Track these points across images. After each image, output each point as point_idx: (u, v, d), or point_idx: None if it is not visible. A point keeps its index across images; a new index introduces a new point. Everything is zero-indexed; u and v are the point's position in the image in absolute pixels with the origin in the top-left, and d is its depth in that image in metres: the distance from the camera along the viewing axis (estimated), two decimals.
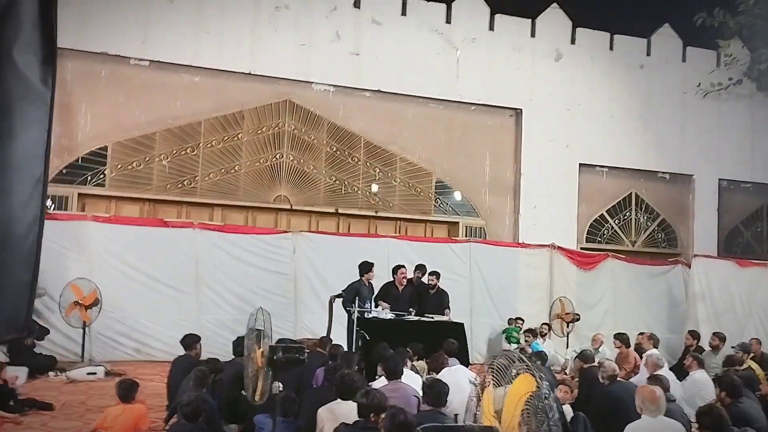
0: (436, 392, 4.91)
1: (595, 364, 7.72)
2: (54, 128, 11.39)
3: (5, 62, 3.64)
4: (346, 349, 8.37)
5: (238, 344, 7.02)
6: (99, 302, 9.99)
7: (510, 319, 12.39)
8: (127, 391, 5.64)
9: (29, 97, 3.67)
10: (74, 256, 10.54)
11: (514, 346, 11.65)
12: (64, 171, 11.62)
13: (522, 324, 12.19)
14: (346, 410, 4.81)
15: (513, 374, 5.53)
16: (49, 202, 11.36)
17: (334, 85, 13.11)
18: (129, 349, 10.64)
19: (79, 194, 11.70)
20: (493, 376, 5.21)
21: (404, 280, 10.06)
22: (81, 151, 11.76)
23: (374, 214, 13.38)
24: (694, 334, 11.43)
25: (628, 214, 15.36)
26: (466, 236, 13.64)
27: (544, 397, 3.68)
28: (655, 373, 7.18)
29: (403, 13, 13.59)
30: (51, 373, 9.12)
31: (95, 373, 9.12)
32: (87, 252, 10.64)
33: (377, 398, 4.42)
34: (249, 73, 12.55)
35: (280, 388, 4.78)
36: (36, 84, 3.72)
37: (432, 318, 9.70)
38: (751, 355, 9.68)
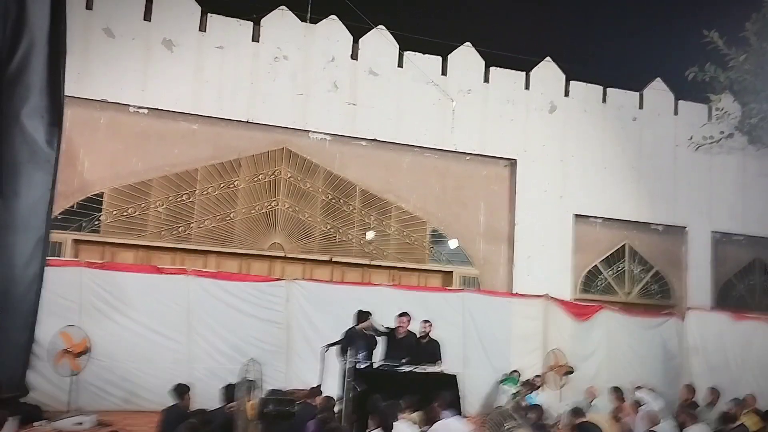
0: None
1: (587, 419, 7.67)
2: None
3: (13, 126, 3.73)
4: (338, 400, 8.30)
5: (227, 392, 6.95)
6: (89, 350, 9.88)
7: (506, 373, 12.28)
8: None
9: (35, 159, 3.74)
10: (65, 302, 10.46)
11: (512, 392, 11.54)
12: (59, 217, 11.61)
13: (519, 376, 12.07)
14: None
15: (506, 430, 5.51)
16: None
17: (330, 134, 13.25)
18: (118, 399, 10.48)
19: (74, 240, 11.70)
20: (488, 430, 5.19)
21: (404, 328, 10.02)
22: (77, 197, 11.79)
23: (368, 262, 13.37)
24: (690, 389, 11.35)
25: (622, 265, 15.38)
26: (460, 286, 13.62)
27: None
28: (652, 429, 7.14)
29: (400, 65, 13.83)
30: (36, 424, 8.96)
31: (82, 423, 8.97)
32: (79, 298, 10.57)
33: None
34: (247, 122, 12.70)
35: None
36: (42, 146, 3.80)
37: (425, 369, 9.61)
38: (746, 410, 9.60)
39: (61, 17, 4.00)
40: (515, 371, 12.24)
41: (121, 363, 10.56)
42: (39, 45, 3.83)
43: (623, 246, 15.35)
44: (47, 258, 10.52)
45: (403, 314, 10.11)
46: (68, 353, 9.71)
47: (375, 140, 13.47)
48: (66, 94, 11.29)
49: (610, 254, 15.27)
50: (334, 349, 9.52)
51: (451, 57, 14.23)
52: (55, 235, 11.48)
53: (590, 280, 15.08)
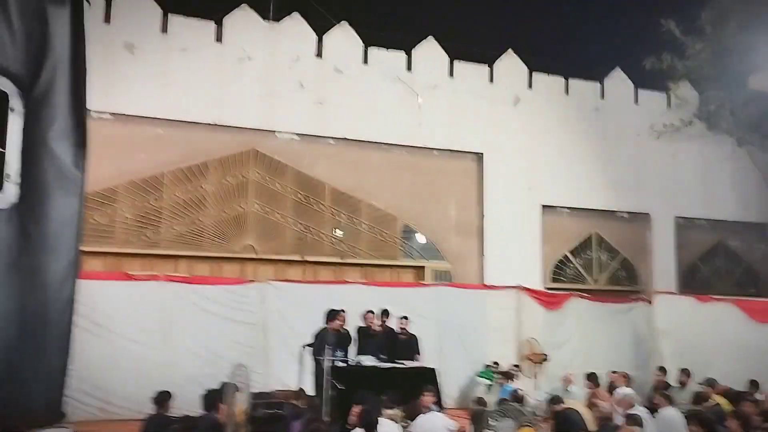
0: None
1: (566, 406, 7.79)
2: None
3: (41, 149, 3.68)
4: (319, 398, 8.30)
5: (208, 398, 6.89)
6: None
7: (486, 364, 12.40)
8: None
9: (63, 181, 3.69)
10: None
11: (486, 384, 11.67)
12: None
13: (497, 368, 12.19)
14: None
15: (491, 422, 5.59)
16: None
17: (298, 134, 13.21)
18: (94, 408, 10.30)
19: None
20: (473, 424, 5.26)
21: (373, 325, 10.06)
22: None
23: (341, 260, 13.37)
24: (662, 371, 11.58)
25: (590, 253, 15.64)
26: (432, 280, 13.70)
27: None
28: (629, 411, 7.28)
29: (365, 61, 13.85)
30: None
31: None
32: None
33: None
34: (213, 124, 12.59)
35: None
36: (69, 168, 3.75)
37: (404, 364, 9.67)
38: (716, 392, 9.83)
39: (81, 37, 3.95)
40: (492, 364, 12.36)
41: (95, 372, 10.34)
42: (62, 66, 3.78)
43: (591, 234, 15.61)
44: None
45: (369, 312, 10.15)
46: None
47: (343, 138, 13.47)
48: None
49: (579, 243, 15.51)
50: (309, 349, 9.50)
51: (415, 52, 14.29)
52: None
53: (560, 269, 15.31)
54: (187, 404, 8.77)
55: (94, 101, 11.99)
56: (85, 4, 4.02)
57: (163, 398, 7.34)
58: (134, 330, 10.72)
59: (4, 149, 3.40)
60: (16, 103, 3.55)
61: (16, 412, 3.50)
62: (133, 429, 7.48)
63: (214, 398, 6.17)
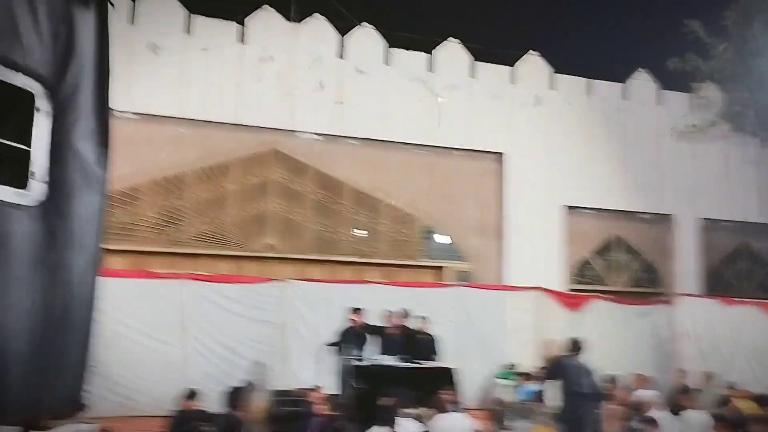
0: None
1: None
2: None
3: (66, 148, 3.77)
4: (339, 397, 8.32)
5: (229, 395, 6.95)
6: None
7: (505, 365, 12.37)
8: None
9: (87, 180, 3.79)
10: None
11: (506, 384, 11.64)
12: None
13: (515, 369, 12.14)
14: None
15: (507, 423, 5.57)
16: None
17: (319, 134, 13.26)
18: (116, 405, 10.38)
19: None
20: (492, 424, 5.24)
21: (392, 325, 10.07)
22: None
23: (360, 260, 13.40)
24: (684, 374, 11.47)
25: (611, 254, 15.52)
26: (452, 280, 13.67)
27: None
28: (647, 414, 7.23)
29: (386, 62, 13.87)
30: None
31: (81, 431, 8.91)
32: None
33: None
34: (234, 124, 12.67)
35: None
36: (93, 167, 3.84)
37: (422, 364, 9.66)
38: (740, 395, 9.72)
39: (105, 38, 4.03)
40: (512, 365, 12.32)
41: (117, 369, 10.47)
42: (87, 67, 3.87)
43: (612, 236, 15.49)
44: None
45: (389, 311, 10.19)
46: None
47: (364, 138, 13.50)
48: None
49: (600, 244, 15.40)
50: (330, 348, 9.54)
51: (437, 53, 14.28)
52: None
53: (581, 271, 15.21)
54: (207, 402, 8.92)
55: (117, 101, 12.15)
56: (110, 6, 4.08)
57: (189, 395, 7.45)
58: (155, 328, 10.81)
59: (30, 148, 3.48)
60: (42, 103, 3.63)
61: (39, 406, 3.57)
62: (155, 425, 7.59)
63: (235, 396, 6.22)
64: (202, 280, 11.33)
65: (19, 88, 3.35)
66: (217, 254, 12.51)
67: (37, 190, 3.54)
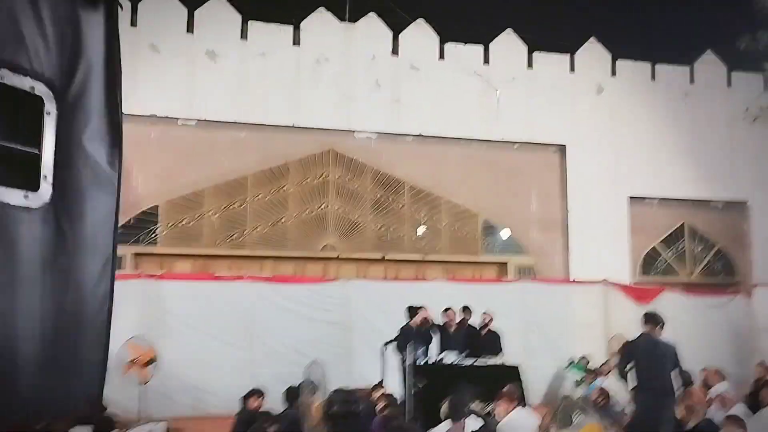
0: None
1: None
2: None
3: (76, 150, 3.86)
4: (401, 396, 8.30)
5: (289, 394, 7.03)
6: (155, 360, 10.10)
7: (579, 357, 12.14)
8: None
9: (98, 181, 3.87)
10: (130, 314, 10.72)
11: (576, 378, 11.40)
12: (118, 231, 11.92)
13: (587, 363, 11.87)
14: None
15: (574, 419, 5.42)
16: None
17: (376, 133, 13.27)
18: (186, 406, 10.69)
19: (133, 253, 11.97)
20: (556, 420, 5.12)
21: (453, 322, 9.99)
22: (134, 212, 12.08)
23: (422, 258, 13.34)
24: (765, 367, 10.95)
25: (682, 245, 14.98)
26: (515, 276, 13.47)
27: None
28: (731, 412, 6.89)
29: (441, 57, 13.76)
30: None
31: (152, 431, 9.17)
32: (141, 310, 10.84)
33: None
34: (292, 126, 12.80)
35: None
36: (105, 168, 3.92)
37: (486, 362, 9.55)
38: None
39: (114, 38, 4.12)
40: (583, 357, 12.06)
41: (186, 371, 10.75)
42: (96, 68, 3.95)
43: (682, 225, 14.96)
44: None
45: (449, 309, 10.09)
46: (135, 364, 9.92)
47: (421, 135, 13.44)
48: None
49: (669, 234, 14.90)
50: (392, 347, 9.53)
51: (493, 45, 14.08)
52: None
53: (650, 263, 14.74)
54: (274, 402, 9.02)
55: (178, 109, 12.48)
56: (119, 8, 4.12)
57: (250, 395, 7.57)
58: (222, 329, 11.05)
59: (41, 152, 3.53)
60: (51, 107, 3.70)
61: (54, 408, 3.65)
62: (224, 425, 7.73)
63: (294, 395, 6.28)
64: (266, 281, 11.53)
65: (27, 92, 3.41)
66: (280, 256, 12.66)
67: (47, 192, 3.60)
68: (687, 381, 6.87)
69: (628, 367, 7.11)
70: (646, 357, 6.96)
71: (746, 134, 15.01)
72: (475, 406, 7.61)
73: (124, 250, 11.94)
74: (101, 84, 4.11)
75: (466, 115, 13.63)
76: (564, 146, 14.16)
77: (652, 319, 7.21)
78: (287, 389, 6.90)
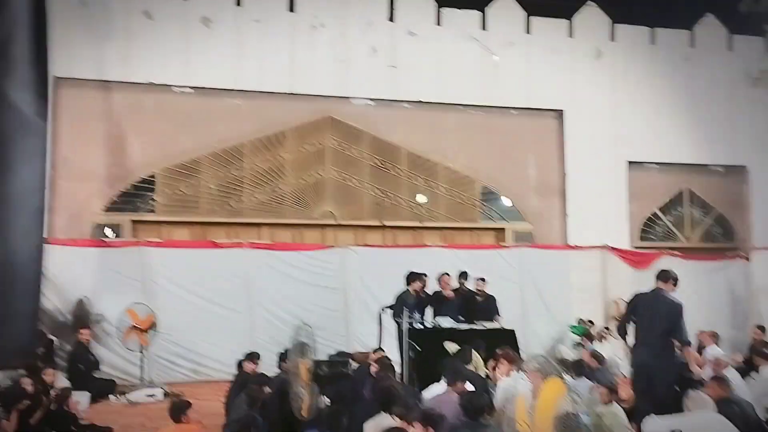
0: (475, 407, 4.86)
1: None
2: (105, 158, 11.88)
3: (0, 100, 3.83)
4: (398, 361, 8.38)
5: (283, 358, 7.13)
6: (155, 325, 10.22)
7: (579, 319, 12.27)
8: (178, 410, 5.73)
9: (25, 131, 3.85)
10: (129, 281, 10.84)
11: (575, 342, 11.56)
12: (116, 200, 11.96)
13: (590, 326, 11.96)
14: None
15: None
16: (109, 231, 11.78)
17: (373, 99, 13.19)
18: (186, 370, 10.86)
19: (132, 221, 12.01)
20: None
21: (449, 287, 10.04)
22: (131, 180, 12.09)
23: (420, 224, 13.36)
24: (762, 329, 11.04)
25: (681, 209, 14.97)
26: (514, 242, 13.49)
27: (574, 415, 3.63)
28: (717, 373, 6.95)
29: (438, 23, 13.62)
30: (111, 397, 9.37)
31: (154, 395, 9.33)
32: (141, 277, 10.93)
33: (416, 410, 4.42)
34: (289, 93, 12.74)
35: (327, 403, 4.82)
36: (31, 117, 3.90)
37: (483, 326, 9.63)
38: None
39: None
40: (588, 321, 12.18)
41: (186, 336, 10.91)
42: (21, 19, 3.93)
43: (681, 190, 14.92)
44: (111, 240, 10.92)
45: (445, 274, 10.13)
46: (136, 329, 10.05)
47: (418, 101, 13.36)
48: (113, 79, 11.73)
49: (669, 199, 14.87)
50: (389, 311, 9.58)
51: (490, 10, 13.92)
52: (114, 217, 11.90)
53: (649, 228, 14.74)
54: (272, 365, 9.13)
55: (174, 77, 12.41)
56: None
57: (247, 359, 7.68)
58: (222, 295, 11.18)
59: None
60: None
61: None
62: (222, 389, 7.85)
63: (287, 358, 6.36)
64: (265, 249, 11.61)
65: None
66: (278, 223, 12.70)
67: None
68: (684, 342, 6.85)
69: (631, 320, 7.12)
70: (649, 311, 6.91)
71: (747, 98, 14.89)
72: (476, 361, 7.71)
73: (122, 218, 11.99)
74: (27, 35, 4.08)
75: (464, 80, 13.52)
76: (562, 111, 14.08)
77: (664, 275, 7.16)
78: (281, 353, 6.99)
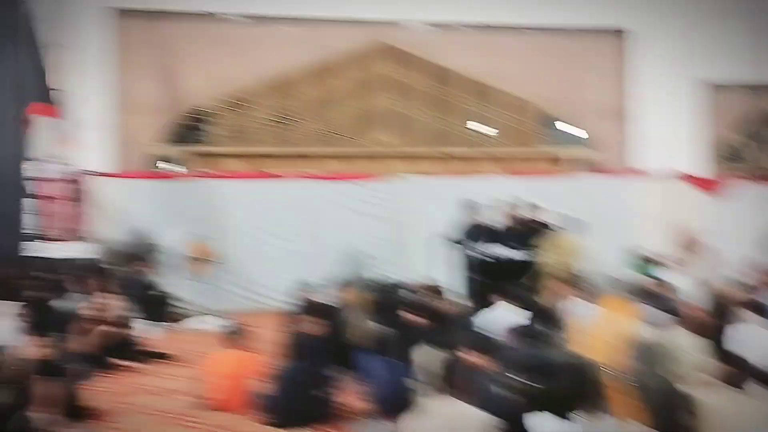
0: (534, 334, 4.72)
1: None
2: (159, 90, 11.85)
3: None
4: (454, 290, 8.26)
5: (339, 287, 7.06)
6: (214, 256, 10.31)
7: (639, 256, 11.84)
8: (236, 338, 5.73)
9: None
10: (189, 213, 10.92)
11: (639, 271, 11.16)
12: (171, 131, 11.98)
13: (652, 261, 11.53)
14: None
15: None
16: (164, 163, 11.87)
17: (428, 23, 12.71)
18: (246, 300, 10.98)
19: (187, 153, 12.04)
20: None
21: (512, 218, 9.77)
22: (186, 111, 12.06)
23: (476, 152, 13.00)
24: None
25: (762, 134, 14.13)
26: (575, 168, 13.02)
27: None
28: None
29: None
30: (171, 324, 9.57)
31: (212, 323, 9.45)
32: (198, 208, 10.99)
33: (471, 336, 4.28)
34: (343, 20, 12.37)
35: (380, 329, 4.73)
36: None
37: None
38: None
39: None
40: (650, 256, 11.73)
41: (245, 267, 10.99)
42: None
43: (761, 112, 14.05)
44: (167, 171, 11.01)
45: (504, 203, 9.83)
46: (196, 260, 10.17)
47: (474, 25, 12.82)
48: (170, 9, 11.57)
49: (749, 122, 14.03)
50: (450, 241, 9.39)
51: None
52: (168, 150, 11.94)
53: (725, 152, 14.00)
54: (327, 295, 9.08)
55: (228, 5, 12.15)
56: None
57: (305, 288, 7.69)
58: (276, 226, 11.15)
59: None
60: None
61: None
62: (278, 319, 7.87)
63: (342, 287, 6.27)
64: (317, 179, 11.49)
65: None
66: (330, 153, 12.54)
67: None
68: None
69: None
70: None
71: None
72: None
73: (177, 150, 12.02)
74: None
75: (523, 1, 12.86)
76: (627, 31, 13.32)
77: None
78: (337, 282, 6.93)
